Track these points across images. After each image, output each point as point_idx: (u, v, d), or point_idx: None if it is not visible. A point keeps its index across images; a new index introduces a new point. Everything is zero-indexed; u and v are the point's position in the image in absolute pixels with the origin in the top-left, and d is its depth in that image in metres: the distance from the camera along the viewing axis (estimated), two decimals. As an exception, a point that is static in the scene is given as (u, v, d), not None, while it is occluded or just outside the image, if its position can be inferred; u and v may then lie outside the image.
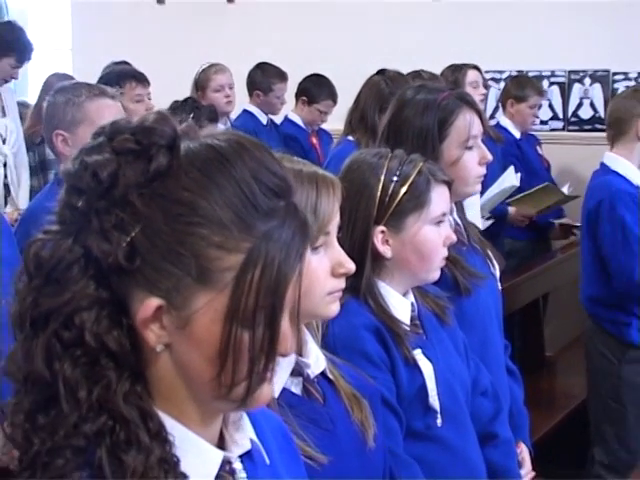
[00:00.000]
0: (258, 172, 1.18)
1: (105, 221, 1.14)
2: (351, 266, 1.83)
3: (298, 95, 6.10)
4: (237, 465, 1.27)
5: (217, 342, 1.15)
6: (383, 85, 4.32)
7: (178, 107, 4.83)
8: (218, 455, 1.22)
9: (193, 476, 1.18)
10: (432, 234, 2.31)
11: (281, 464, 1.38)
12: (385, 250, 2.29)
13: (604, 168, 4.11)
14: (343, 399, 1.86)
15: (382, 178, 2.29)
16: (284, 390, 1.77)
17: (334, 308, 1.84)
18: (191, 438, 1.20)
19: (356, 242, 2.25)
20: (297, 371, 1.81)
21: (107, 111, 3.04)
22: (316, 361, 1.84)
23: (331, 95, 5.93)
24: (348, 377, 1.91)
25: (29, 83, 7.76)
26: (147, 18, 7.38)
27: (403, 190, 2.29)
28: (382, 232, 2.30)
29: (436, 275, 2.35)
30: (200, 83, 5.74)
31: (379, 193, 2.28)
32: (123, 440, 1.14)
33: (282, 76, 6.11)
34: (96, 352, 1.15)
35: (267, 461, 1.32)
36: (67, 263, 1.16)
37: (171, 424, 1.19)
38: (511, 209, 5.47)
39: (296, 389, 1.80)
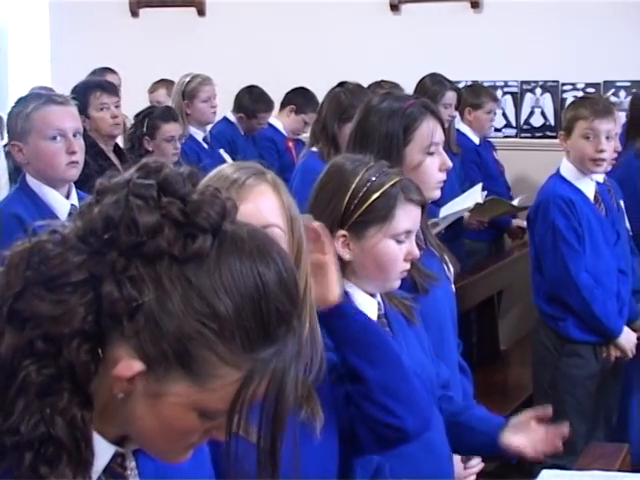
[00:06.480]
0: (277, 291, 1.17)
1: (124, 268, 1.14)
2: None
3: (285, 104, 6.16)
4: (128, 459, 1.30)
5: (174, 421, 1.18)
6: (343, 97, 4.38)
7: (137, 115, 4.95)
8: (110, 449, 1.26)
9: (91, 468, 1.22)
10: (392, 248, 2.31)
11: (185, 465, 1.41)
12: (343, 253, 2.29)
13: (557, 171, 4.15)
14: None
15: (355, 184, 2.30)
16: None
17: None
18: (94, 437, 1.23)
19: None
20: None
21: (53, 117, 3.09)
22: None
23: (316, 108, 5.83)
24: None
25: (9, 95, 7.65)
26: (122, 30, 7.37)
27: (370, 200, 2.29)
28: (343, 236, 2.30)
29: (394, 285, 2.37)
30: (188, 93, 5.74)
31: (348, 198, 2.29)
32: (49, 456, 1.15)
33: (268, 106, 6.15)
34: (62, 373, 1.15)
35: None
36: (70, 281, 1.15)
37: None
38: (465, 214, 5.48)
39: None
